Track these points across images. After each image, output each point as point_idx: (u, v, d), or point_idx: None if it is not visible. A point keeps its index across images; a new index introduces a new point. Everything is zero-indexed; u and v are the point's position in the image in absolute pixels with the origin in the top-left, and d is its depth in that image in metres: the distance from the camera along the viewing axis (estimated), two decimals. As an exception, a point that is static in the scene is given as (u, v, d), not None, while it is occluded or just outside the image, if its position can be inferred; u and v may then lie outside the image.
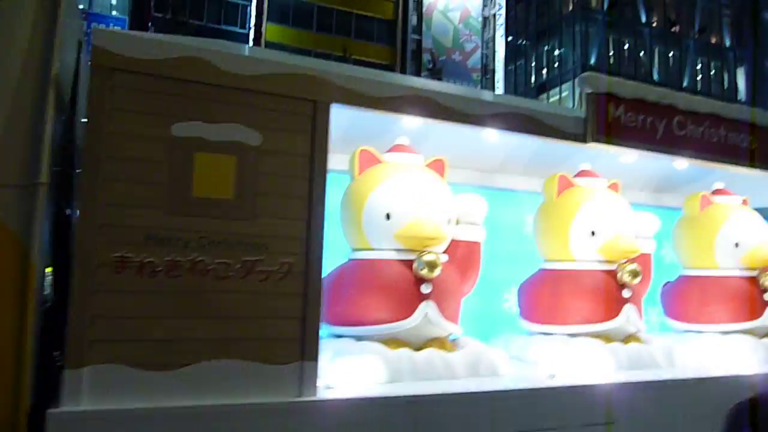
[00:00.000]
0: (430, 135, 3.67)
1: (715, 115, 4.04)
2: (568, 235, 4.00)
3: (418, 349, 3.30)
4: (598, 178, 4.18)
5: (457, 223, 3.65)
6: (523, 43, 37.04)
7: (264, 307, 2.63)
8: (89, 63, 2.48)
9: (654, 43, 34.83)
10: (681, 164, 4.20)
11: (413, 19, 33.39)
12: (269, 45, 28.45)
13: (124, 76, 2.47)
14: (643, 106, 3.75)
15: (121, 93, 2.46)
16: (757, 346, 4.21)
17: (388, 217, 3.34)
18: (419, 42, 33.37)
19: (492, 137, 3.60)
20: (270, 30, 30.07)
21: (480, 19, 34.83)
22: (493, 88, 34.04)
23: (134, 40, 2.53)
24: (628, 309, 3.89)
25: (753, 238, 4.50)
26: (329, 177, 3.29)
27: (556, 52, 35.11)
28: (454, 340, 3.58)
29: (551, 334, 3.97)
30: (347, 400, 2.73)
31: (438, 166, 3.67)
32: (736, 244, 4.50)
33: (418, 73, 31.13)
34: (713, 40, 36.69)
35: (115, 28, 23.00)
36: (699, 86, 34.74)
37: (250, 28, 29.78)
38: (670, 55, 35.30)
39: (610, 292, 3.91)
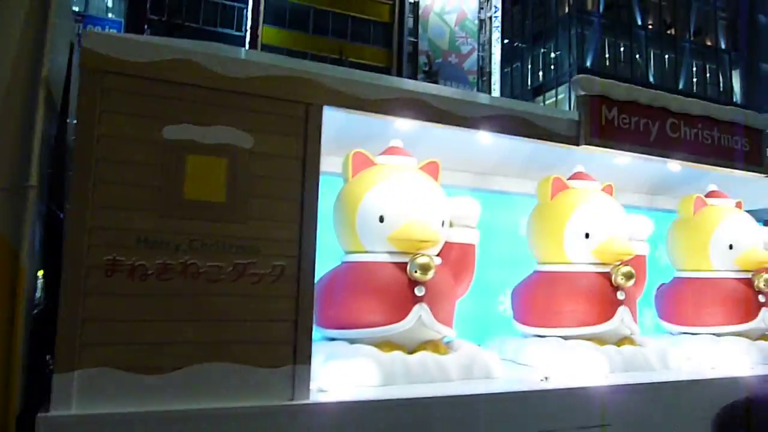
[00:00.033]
0: (424, 137, 3.67)
1: (708, 117, 4.05)
2: (562, 237, 4.01)
3: (411, 351, 3.29)
4: (592, 181, 4.19)
5: (451, 225, 3.65)
6: (520, 45, 37.16)
7: (256, 310, 2.62)
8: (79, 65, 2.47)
9: (650, 45, 34.99)
10: (675, 166, 4.21)
11: (409, 22, 33.43)
12: (265, 47, 28.44)
13: (114, 79, 2.46)
14: (637, 109, 3.76)
15: (111, 95, 2.45)
16: (752, 348, 4.21)
17: (381, 219, 3.33)
18: (416, 44, 33.40)
19: (486, 140, 3.60)
20: (266, 32, 30.06)
21: (476, 21, 34.87)
22: (489, 91, 34.09)
23: (124, 43, 2.51)
24: (622, 311, 3.89)
25: (747, 240, 4.51)
26: (323, 179, 3.28)
27: (552, 55, 35.25)
28: (448, 342, 3.58)
29: (545, 336, 3.97)
30: (340, 403, 2.72)
31: (432, 169, 3.67)
32: (730, 246, 4.51)
33: (414, 76, 31.14)
34: (708, 43, 36.86)
35: (111, 30, 23.00)
36: (694, 88, 34.88)
37: (246, 31, 29.76)
38: (666, 57, 35.45)
39: (604, 295, 3.91)
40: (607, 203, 4.09)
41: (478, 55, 34.72)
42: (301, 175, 2.77)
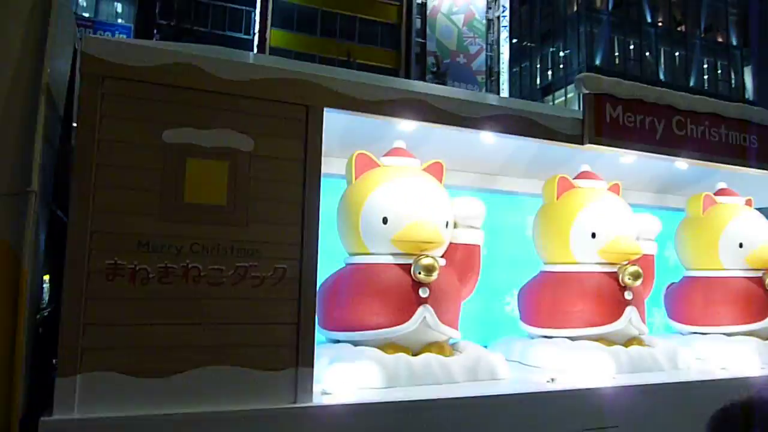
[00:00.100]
0: (429, 138, 3.65)
1: (715, 114, 3.99)
2: (568, 237, 3.97)
3: (416, 353, 3.28)
4: (598, 180, 4.15)
5: (456, 226, 3.63)
6: (528, 44, 37.03)
7: (258, 313, 2.62)
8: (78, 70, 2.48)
9: (660, 42, 34.74)
10: (683, 165, 4.16)
11: (417, 23, 33.42)
12: (273, 50, 28.59)
13: (114, 84, 2.46)
14: (642, 107, 3.71)
15: (111, 100, 2.46)
16: (763, 348, 4.15)
17: (384, 221, 3.32)
18: (423, 45, 33.39)
19: (492, 140, 3.57)
20: (274, 35, 30.19)
21: (484, 21, 34.80)
22: (498, 91, 34.02)
23: (124, 47, 2.52)
24: (629, 311, 3.85)
25: (757, 238, 4.44)
26: (327, 182, 3.28)
27: (561, 54, 35.08)
28: (453, 344, 3.56)
29: (552, 337, 3.93)
30: (343, 405, 2.71)
31: (436, 170, 3.65)
32: (741, 245, 4.45)
33: (422, 77, 31.14)
34: (720, 39, 36.53)
35: (121, 36, 23.21)
36: (706, 86, 34.58)
37: (254, 34, 29.91)
38: (677, 54, 35.17)
39: (611, 295, 3.87)
40: (613, 202, 4.05)
41: (487, 55, 34.65)
42: (302, 177, 2.76)
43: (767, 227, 4.56)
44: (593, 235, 3.90)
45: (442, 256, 3.51)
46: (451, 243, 3.59)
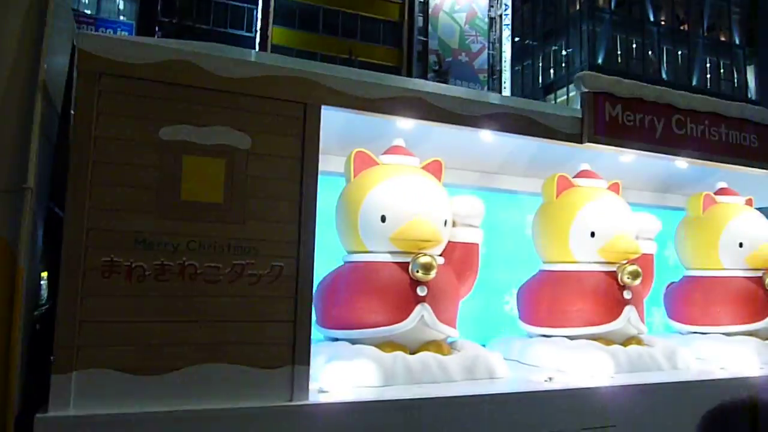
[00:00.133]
0: (429, 136, 3.64)
1: (715, 113, 3.98)
2: (567, 236, 3.96)
3: (414, 352, 3.27)
4: (598, 179, 4.14)
5: (455, 224, 3.62)
6: (530, 43, 36.96)
7: (254, 310, 2.61)
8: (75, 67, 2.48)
9: (662, 41, 34.64)
10: (683, 164, 4.14)
11: (419, 21, 33.37)
12: (275, 48, 28.57)
13: (110, 80, 2.46)
14: (642, 105, 3.70)
15: (108, 97, 2.45)
16: (762, 348, 4.14)
17: (383, 219, 3.31)
18: (425, 44, 33.33)
19: (491, 138, 3.56)
20: (276, 33, 30.16)
21: (486, 19, 34.73)
22: (500, 89, 33.97)
23: (120, 44, 2.51)
24: (628, 311, 3.84)
25: (757, 238, 4.43)
26: (326, 180, 3.27)
27: (564, 52, 35.00)
28: (451, 342, 3.55)
29: (551, 336, 3.93)
30: (339, 404, 2.71)
31: (434, 168, 3.64)
32: (741, 244, 4.44)
33: (424, 75, 31.10)
34: (722, 38, 36.42)
35: (123, 33, 23.22)
36: (708, 85, 34.49)
37: (256, 32, 29.88)
38: (679, 53, 35.07)
39: (610, 294, 3.86)
40: (612, 201, 4.03)
41: (489, 53, 34.58)
42: (299, 175, 2.75)
43: (767, 227, 4.54)
44: (592, 234, 3.89)
45: (440, 255, 3.50)
46: (449, 241, 3.58)
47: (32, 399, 2.43)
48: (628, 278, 3.83)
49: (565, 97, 33.70)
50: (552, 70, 35.87)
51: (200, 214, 2.57)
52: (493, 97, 3.68)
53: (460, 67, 33.51)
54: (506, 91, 34.29)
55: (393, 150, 3.60)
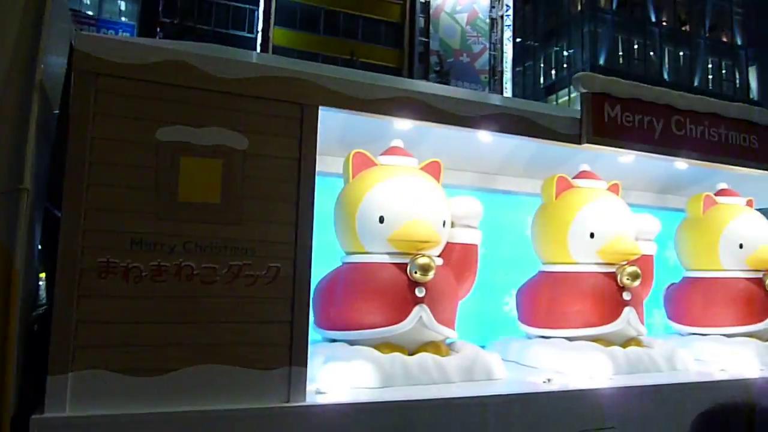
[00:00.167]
0: (428, 137, 3.64)
1: (715, 114, 3.96)
2: (566, 237, 3.95)
3: (412, 353, 3.26)
4: (597, 180, 4.13)
5: (453, 225, 3.61)
6: (532, 44, 36.95)
7: (251, 311, 2.61)
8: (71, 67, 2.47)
9: (664, 42, 34.62)
10: (683, 165, 4.13)
11: (420, 22, 33.37)
12: (276, 49, 28.60)
13: (107, 81, 2.45)
14: (640, 106, 3.68)
15: (104, 97, 2.45)
16: (762, 350, 4.12)
17: (381, 220, 3.30)
18: (427, 44, 33.33)
19: (490, 139, 3.56)
20: (277, 34, 30.19)
21: (488, 20, 34.71)
22: (501, 90, 33.95)
23: (117, 45, 2.51)
24: (628, 312, 3.83)
25: (758, 239, 4.41)
26: (326, 181, 3.26)
27: (565, 53, 35.00)
28: (450, 344, 3.54)
29: (550, 337, 3.92)
30: (336, 405, 2.70)
31: (433, 169, 3.64)
32: (741, 245, 4.42)
33: (425, 76, 31.10)
34: (724, 39, 36.38)
35: (124, 34, 23.25)
36: (710, 85, 34.45)
37: (257, 33, 29.92)
38: (681, 54, 35.05)
39: (609, 295, 3.85)
40: (612, 202, 4.02)
41: (490, 54, 34.55)
42: (296, 176, 2.74)
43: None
44: (592, 235, 3.88)
45: (439, 256, 3.49)
46: (448, 242, 3.57)
47: (30, 400, 2.42)
48: (627, 279, 3.82)
49: (567, 98, 33.69)
50: (553, 71, 35.87)
51: (197, 214, 2.56)
52: (491, 98, 3.67)
53: (461, 67, 33.50)
54: (507, 92, 34.27)
55: (391, 151, 3.59)
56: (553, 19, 35.76)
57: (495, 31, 34.86)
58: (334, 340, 3.37)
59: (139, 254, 2.46)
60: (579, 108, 3.60)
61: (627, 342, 3.87)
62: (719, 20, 36.21)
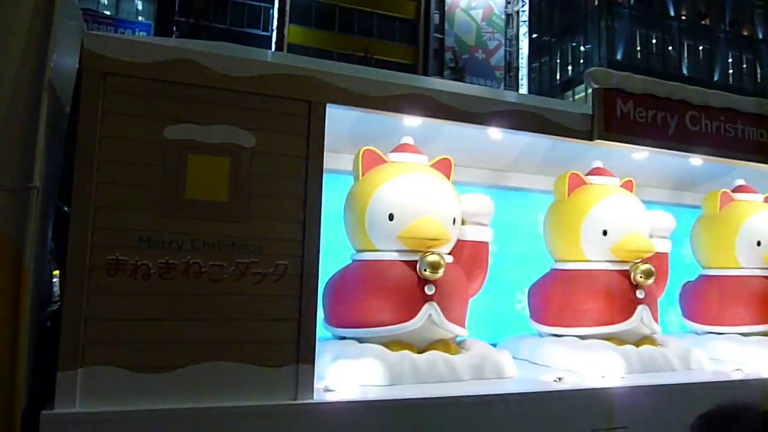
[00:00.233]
0: (439, 134, 3.62)
1: (730, 109, 3.89)
2: (579, 234, 3.91)
3: (422, 351, 3.25)
4: (610, 176, 4.07)
5: (464, 223, 3.59)
6: (548, 39, 36.62)
7: (259, 309, 2.61)
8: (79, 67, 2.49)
9: (683, 36, 34.09)
10: (698, 161, 4.06)
11: (435, 18, 33.25)
12: (291, 47, 28.69)
13: (115, 80, 2.47)
14: (654, 102, 3.62)
15: (113, 96, 2.47)
16: (780, 349, 4.05)
17: (390, 217, 3.29)
18: (442, 41, 33.20)
19: (502, 136, 3.52)
20: (292, 32, 30.27)
21: (503, 16, 34.50)
22: (517, 86, 33.73)
23: (125, 44, 2.53)
24: (641, 310, 3.78)
25: (776, 237, 4.33)
26: (337, 178, 3.24)
27: (582, 49, 34.62)
28: (460, 342, 3.52)
29: (562, 336, 3.88)
30: (344, 403, 2.70)
31: (444, 166, 3.61)
32: (758, 243, 4.36)
33: (440, 73, 31.00)
34: (745, 33, 35.74)
35: (141, 33, 23.47)
36: (730, 80, 33.88)
37: (272, 31, 30.02)
38: (700, 48, 34.50)
39: (622, 293, 3.80)
40: (625, 199, 3.97)
41: (506, 50, 34.36)
42: (304, 173, 2.74)
43: (786, 225, 4.44)
44: (604, 233, 3.84)
45: (449, 253, 3.47)
46: (458, 240, 3.55)
47: (41, 395, 2.46)
48: (641, 277, 3.77)
49: (584, 93, 33.34)
50: (570, 67, 35.49)
51: (205, 212, 2.57)
52: (501, 94, 3.63)
53: (476, 64, 33.34)
54: (523, 88, 34.04)
55: (401, 148, 3.58)
56: (570, 14, 35.38)
57: (510, 26, 34.65)
58: (343, 338, 3.37)
59: (148, 252, 2.48)
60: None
61: (640, 341, 3.82)
62: (740, 13, 35.57)
